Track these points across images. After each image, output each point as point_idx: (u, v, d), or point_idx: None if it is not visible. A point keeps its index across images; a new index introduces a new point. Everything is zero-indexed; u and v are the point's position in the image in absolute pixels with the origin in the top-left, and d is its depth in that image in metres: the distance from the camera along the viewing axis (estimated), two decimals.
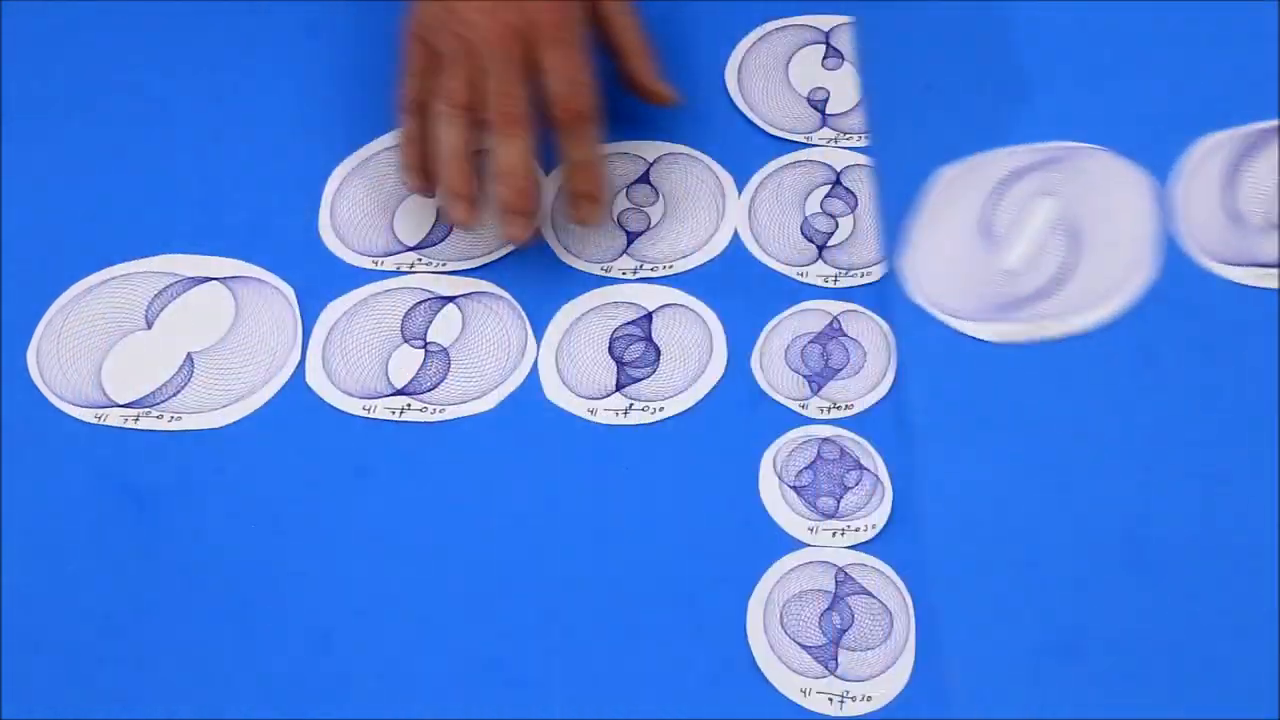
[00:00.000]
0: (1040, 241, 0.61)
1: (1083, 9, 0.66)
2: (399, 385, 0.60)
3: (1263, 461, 0.55)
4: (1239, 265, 0.59)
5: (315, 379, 0.61)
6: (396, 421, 0.60)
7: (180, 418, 0.60)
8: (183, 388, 0.61)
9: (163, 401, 0.60)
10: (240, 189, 0.66)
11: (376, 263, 0.64)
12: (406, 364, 0.61)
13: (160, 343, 0.62)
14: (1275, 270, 0.59)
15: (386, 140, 0.67)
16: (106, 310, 0.63)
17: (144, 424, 0.60)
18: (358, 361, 0.61)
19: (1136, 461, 0.56)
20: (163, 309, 0.63)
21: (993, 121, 0.64)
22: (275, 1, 0.72)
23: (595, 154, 0.61)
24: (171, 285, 0.63)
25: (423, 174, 0.61)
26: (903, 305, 0.60)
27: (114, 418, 0.60)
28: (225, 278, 0.63)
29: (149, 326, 0.63)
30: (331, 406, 0.60)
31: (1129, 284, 0.59)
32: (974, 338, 0.59)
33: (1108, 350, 0.58)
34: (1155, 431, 0.56)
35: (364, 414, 0.60)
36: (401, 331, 0.62)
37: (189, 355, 0.62)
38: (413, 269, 0.63)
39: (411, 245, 0.64)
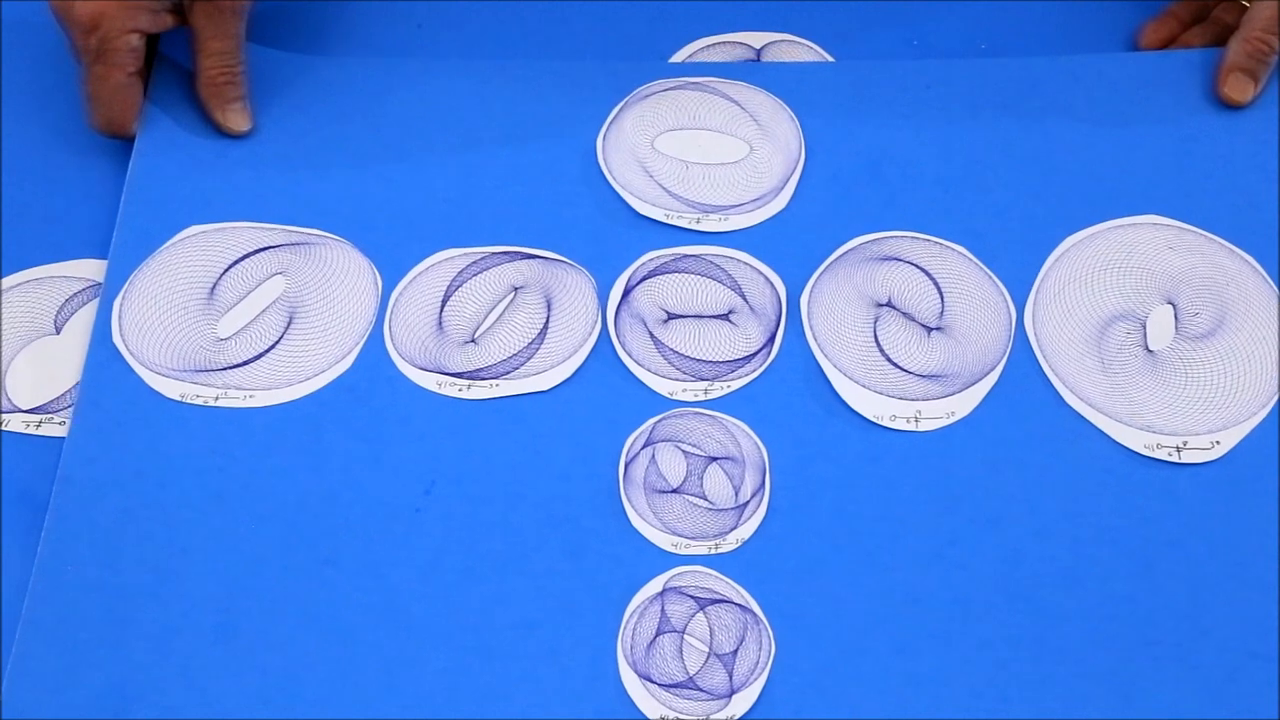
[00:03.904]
0: (257, 314, 0.63)
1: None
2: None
3: None
4: (430, 371, 0.62)
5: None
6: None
7: None
8: None
9: (67, 408, 0.60)
10: None
11: None
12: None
13: (68, 348, 0.62)
14: (462, 380, 0.62)
15: None
16: (16, 315, 0.63)
17: (46, 430, 0.60)
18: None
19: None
20: (72, 314, 0.63)
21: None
22: None
23: None
24: (82, 290, 0.63)
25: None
26: (100, 347, 0.62)
27: (15, 423, 0.59)
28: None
29: (58, 332, 0.62)
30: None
31: (326, 373, 0.62)
32: (158, 392, 0.61)
33: (296, 423, 0.61)
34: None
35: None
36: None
37: None
38: None
39: None
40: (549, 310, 0.63)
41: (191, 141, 0.68)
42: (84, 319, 0.63)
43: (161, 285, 0.64)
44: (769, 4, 0.74)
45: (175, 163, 0.67)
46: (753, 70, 0.70)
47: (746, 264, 0.65)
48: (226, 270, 0.64)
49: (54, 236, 0.65)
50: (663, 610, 0.56)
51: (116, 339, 0.62)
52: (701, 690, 0.55)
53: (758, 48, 0.72)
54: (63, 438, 0.59)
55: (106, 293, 0.63)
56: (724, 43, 0.73)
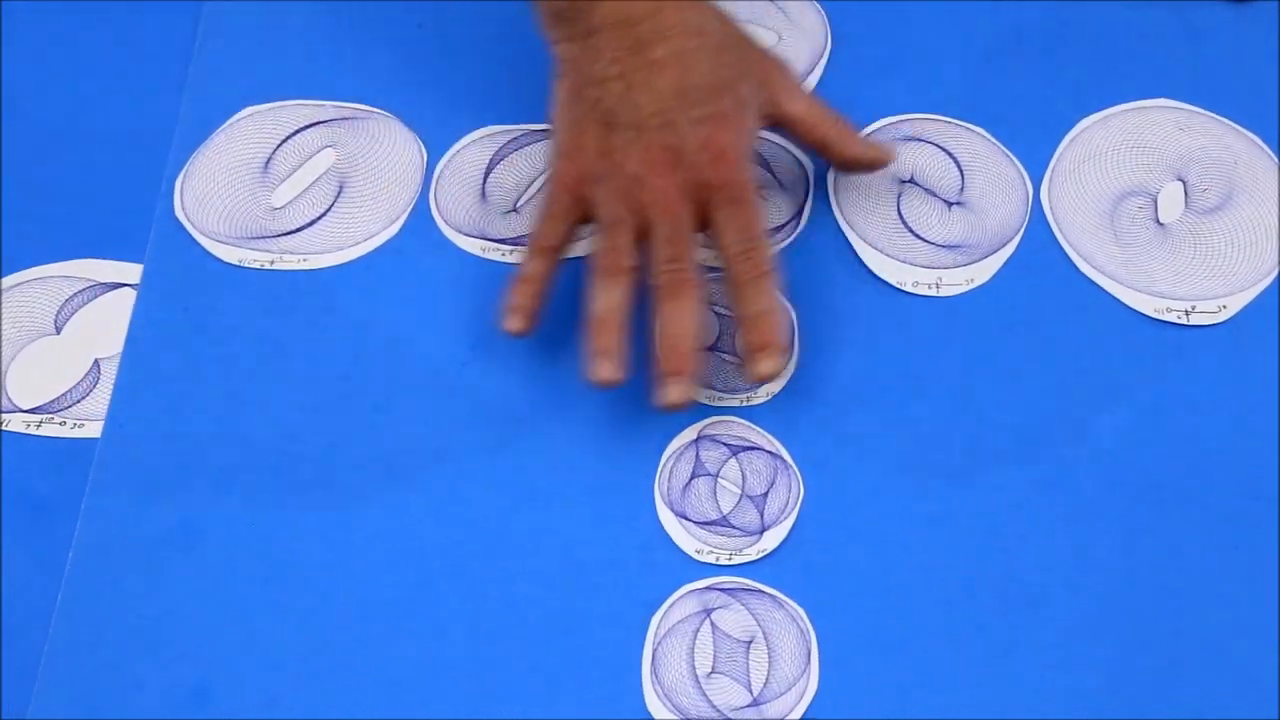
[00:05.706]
0: (309, 185, 0.66)
1: None
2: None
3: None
4: (474, 237, 0.65)
5: None
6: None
7: (83, 424, 0.60)
8: (88, 393, 0.61)
9: (67, 408, 0.61)
10: None
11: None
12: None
13: (68, 348, 0.62)
14: (505, 246, 0.65)
15: None
16: (16, 315, 0.63)
17: (46, 430, 0.60)
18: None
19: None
20: (72, 314, 0.63)
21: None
22: None
23: (774, 304, 0.58)
24: (83, 290, 0.64)
25: (530, 316, 0.59)
26: (164, 221, 0.66)
27: (15, 423, 0.60)
28: (139, 284, 0.64)
29: (58, 332, 0.63)
30: None
31: (376, 237, 0.65)
32: (218, 258, 0.65)
33: (348, 283, 0.64)
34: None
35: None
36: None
37: (96, 361, 0.62)
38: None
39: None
40: None
41: (247, 31, 0.71)
42: (84, 319, 0.63)
43: (219, 163, 0.67)
44: None
45: (231, 52, 0.70)
46: None
47: (775, 143, 0.68)
48: (280, 145, 0.67)
49: (54, 236, 0.65)
50: (697, 455, 0.60)
51: (179, 212, 0.65)
52: (734, 527, 0.58)
53: None
54: (63, 438, 0.60)
55: (169, 173, 0.66)
56: None
